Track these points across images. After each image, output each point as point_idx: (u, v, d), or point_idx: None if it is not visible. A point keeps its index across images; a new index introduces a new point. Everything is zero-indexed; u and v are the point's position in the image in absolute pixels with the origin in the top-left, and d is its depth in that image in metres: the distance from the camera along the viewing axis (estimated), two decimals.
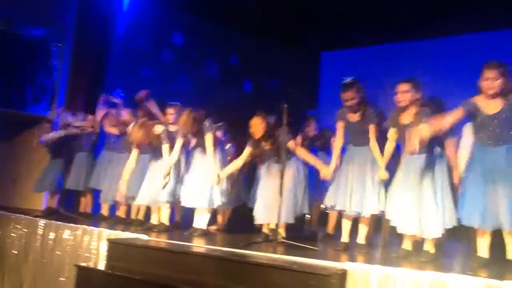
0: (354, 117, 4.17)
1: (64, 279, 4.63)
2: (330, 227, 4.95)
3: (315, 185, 4.89)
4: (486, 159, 3.52)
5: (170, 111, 5.21)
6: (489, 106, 3.56)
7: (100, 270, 4.08)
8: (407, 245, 3.84)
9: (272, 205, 4.30)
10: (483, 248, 3.54)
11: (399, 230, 3.83)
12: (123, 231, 4.53)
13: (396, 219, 3.84)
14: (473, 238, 3.65)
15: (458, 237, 4.16)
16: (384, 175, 3.96)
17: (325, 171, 4.24)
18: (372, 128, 4.10)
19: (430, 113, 3.74)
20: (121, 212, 5.60)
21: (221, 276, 3.57)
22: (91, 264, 4.30)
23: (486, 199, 3.44)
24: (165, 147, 4.96)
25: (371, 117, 4.11)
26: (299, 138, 5.05)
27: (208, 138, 4.76)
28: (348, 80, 4.17)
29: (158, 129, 5.04)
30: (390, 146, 4.03)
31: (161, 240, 4.39)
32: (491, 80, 3.50)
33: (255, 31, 7.49)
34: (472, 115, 3.62)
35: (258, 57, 7.64)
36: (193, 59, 7.39)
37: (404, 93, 3.84)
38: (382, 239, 4.55)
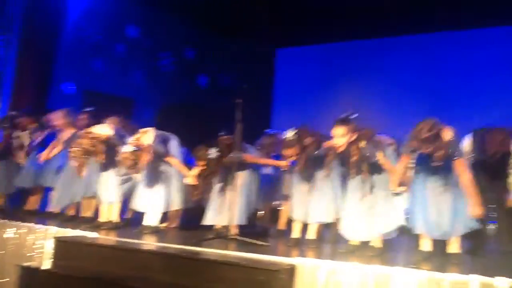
0: None
1: (7, 280, 4.45)
2: (282, 223, 5.00)
3: (268, 181, 4.93)
4: (430, 170, 3.67)
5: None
6: None
7: (44, 269, 3.95)
8: (354, 240, 3.94)
9: (223, 208, 4.33)
10: (426, 242, 3.68)
11: (348, 238, 3.95)
12: (72, 229, 4.41)
13: (346, 228, 3.96)
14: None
15: (403, 231, 4.29)
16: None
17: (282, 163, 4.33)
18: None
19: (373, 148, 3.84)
20: (70, 210, 5.45)
21: (171, 273, 3.53)
22: (35, 264, 4.15)
23: (430, 208, 3.61)
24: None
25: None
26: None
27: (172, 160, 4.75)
28: None
29: (107, 132, 4.88)
30: None
31: (110, 238, 4.29)
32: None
33: (212, 25, 7.43)
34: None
35: (215, 52, 7.58)
36: (147, 52, 7.25)
37: (340, 137, 3.86)
38: (332, 234, 4.62)
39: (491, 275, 2.92)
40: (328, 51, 6.72)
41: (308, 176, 4.22)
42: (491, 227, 4.58)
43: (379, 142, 3.87)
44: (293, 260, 3.31)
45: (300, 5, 6.70)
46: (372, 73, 5.37)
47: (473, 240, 4.13)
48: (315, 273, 3.20)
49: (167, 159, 4.79)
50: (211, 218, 4.55)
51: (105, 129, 4.89)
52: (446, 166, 3.62)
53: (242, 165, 4.49)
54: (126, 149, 4.61)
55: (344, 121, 3.86)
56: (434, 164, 3.60)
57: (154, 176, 4.74)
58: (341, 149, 3.89)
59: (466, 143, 4.05)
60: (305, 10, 6.63)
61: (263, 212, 5.37)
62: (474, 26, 5.88)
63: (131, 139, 4.71)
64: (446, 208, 3.59)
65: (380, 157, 3.84)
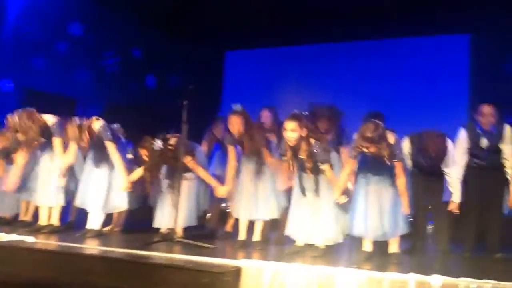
0: None
1: None
2: (229, 225, 4.99)
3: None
4: (372, 171, 3.79)
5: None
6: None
7: None
8: (299, 242, 3.99)
9: (172, 209, 4.28)
10: (367, 242, 3.79)
11: (294, 238, 4.02)
12: (7, 233, 4.20)
13: (292, 229, 4.01)
14: None
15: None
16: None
17: (221, 190, 4.35)
18: None
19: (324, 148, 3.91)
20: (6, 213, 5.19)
21: (114, 278, 3.43)
22: None
23: (371, 210, 3.74)
24: (57, 141, 4.64)
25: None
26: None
27: (110, 146, 4.52)
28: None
29: (50, 120, 4.69)
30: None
31: (49, 242, 4.12)
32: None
33: (161, 25, 7.32)
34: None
35: (163, 52, 7.47)
36: (91, 50, 7.03)
37: (292, 131, 3.90)
38: (278, 236, 4.67)
39: (428, 273, 3.05)
40: (277, 55, 6.79)
41: (254, 170, 4.21)
42: (429, 227, 4.80)
43: (328, 149, 3.93)
44: (239, 262, 3.31)
45: (250, 7, 6.73)
46: (320, 78, 5.45)
47: (412, 240, 4.30)
48: (260, 274, 3.21)
49: (113, 157, 4.63)
50: (160, 219, 4.46)
51: (47, 116, 4.69)
52: (388, 168, 3.75)
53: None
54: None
55: (296, 116, 3.91)
56: (377, 165, 3.73)
57: (97, 173, 4.59)
58: (291, 143, 3.92)
59: (404, 146, 4.21)
60: (255, 13, 6.68)
61: (211, 214, 5.34)
62: (414, 34, 6.17)
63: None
64: (387, 210, 3.72)
65: (326, 167, 3.89)
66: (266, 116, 4.78)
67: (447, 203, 4.34)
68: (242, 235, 4.23)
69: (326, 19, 6.46)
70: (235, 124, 4.18)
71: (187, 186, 4.39)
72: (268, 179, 4.22)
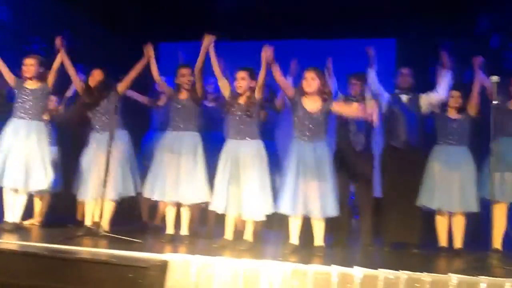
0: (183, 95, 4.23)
1: None
2: (158, 219, 4.92)
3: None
4: (301, 152, 3.86)
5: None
6: (309, 103, 3.91)
7: None
8: (228, 235, 4.01)
9: (97, 181, 4.14)
10: (294, 235, 3.88)
11: (220, 212, 4.00)
12: None
13: (218, 204, 3.98)
14: (287, 226, 3.97)
15: (275, 226, 4.48)
16: None
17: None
18: None
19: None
20: None
21: (34, 275, 3.29)
22: None
23: (298, 190, 3.79)
24: None
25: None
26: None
27: None
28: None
29: None
30: None
31: None
32: (310, 79, 3.86)
33: (91, 14, 7.03)
34: (294, 106, 3.93)
35: (93, 42, 7.18)
36: (16, 35, 6.63)
37: (241, 80, 4.00)
38: (207, 230, 4.67)
39: (350, 265, 3.18)
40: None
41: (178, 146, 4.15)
42: (354, 220, 5.00)
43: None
44: (165, 256, 3.28)
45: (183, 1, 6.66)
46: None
47: (337, 233, 4.45)
48: (187, 268, 3.20)
49: None
50: (86, 188, 4.29)
51: None
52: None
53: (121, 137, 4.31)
54: None
55: (247, 68, 4.02)
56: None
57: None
58: (239, 91, 3.98)
59: None
60: (189, 4, 6.60)
61: (142, 207, 5.24)
62: (344, 37, 6.44)
63: None
64: (314, 189, 3.80)
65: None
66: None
67: (373, 198, 4.55)
68: (170, 229, 4.18)
69: (259, 17, 6.55)
70: None
71: (117, 157, 4.21)
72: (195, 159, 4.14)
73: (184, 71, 4.26)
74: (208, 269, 3.18)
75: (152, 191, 4.17)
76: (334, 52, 4.89)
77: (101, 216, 4.12)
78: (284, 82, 4.07)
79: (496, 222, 4.06)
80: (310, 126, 3.87)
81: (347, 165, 4.43)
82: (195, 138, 4.17)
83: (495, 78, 3.49)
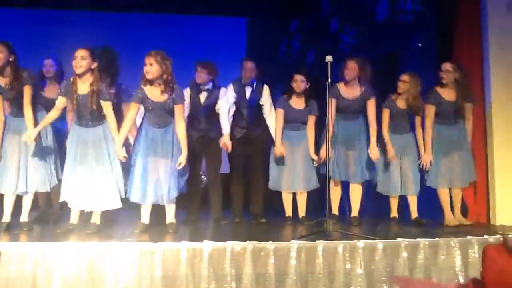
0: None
1: None
2: None
3: None
4: (150, 135, 3.79)
5: None
6: (153, 92, 3.81)
7: None
8: (74, 219, 3.79)
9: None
10: (145, 215, 3.82)
11: (70, 206, 3.78)
12: None
13: (68, 195, 3.75)
14: (138, 206, 3.88)
15: (125, 205, 4.35)
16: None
17: None
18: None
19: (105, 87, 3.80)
20: None
21: None
22: None
23: (148, 175, 3.73)
24: None
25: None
26: None
27: None
28: None
29: None
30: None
31: None
32: (148, 65, 3.77)
33: None
34: (141, 101, 3.82)
35: None
36: None
37: (81, 59, 3.72)
38: (53, 214, 4.35)
39: (200, 240, 3.23)
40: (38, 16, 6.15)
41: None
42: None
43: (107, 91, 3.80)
44: None
45: None
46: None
47: (188, 209, 4.49)
48: (23, 258, 2.95)
49: None
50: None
51: None
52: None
53: None
54: None
55: (89, 49, 3.76)
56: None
57: None
58: (79, 71, 3.71)
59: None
60: None
61: None
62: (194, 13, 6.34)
63: None
64: (163, 174, 3.77)
65: (105, 105, 3.75)
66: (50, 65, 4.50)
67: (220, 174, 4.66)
68: (6, 217, 3.80)
69: None
70: None
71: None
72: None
73: None
74: (47, 256, 2.97)
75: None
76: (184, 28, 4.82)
77: None
78: None
79: (333, 193, 4.49)
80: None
81: (197, 144, 4.46)
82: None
83: (329, 58, 3.75)
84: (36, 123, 3.79)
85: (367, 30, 6.08)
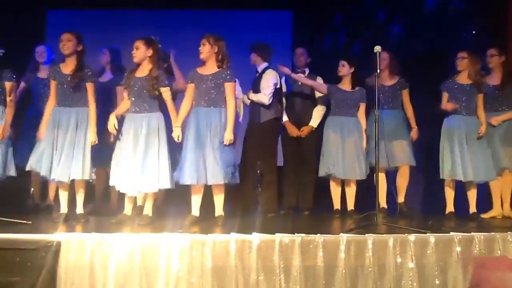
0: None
1: None
2: (51, 198, 4.65)
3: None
4: (199, 121, 3.84)
5: None
6: (205, 68, 3.94)
7: None
8: (127, 210, 3.92)
9: None
10: (195, 207, 3.89)
11: (120, 190, 3.89)
12: None
13: (117, 180, 3.85)
14: (189, 199, 3.96)
15: (176, 199, 4.45)
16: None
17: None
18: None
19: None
20: None
21: None
22: None
23: (199, 160, 3.78)
24: None
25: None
26: None
27: None
28: None
29: None
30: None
31: None
32: (201, 46, 3.91)
33: None
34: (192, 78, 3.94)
35: None
36: None
37: (136, 50, 3.88)
38: (109, 207, 4.53)
39: (248, 232, 3.26)
40: (98, 17, 6.39)
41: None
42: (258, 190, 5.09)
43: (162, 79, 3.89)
44: (57, 236, 3.13)
45: None
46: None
47: (240, 202, 4.54)
48: (81, 247, 3.09)
49: None
50: None
51: None
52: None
53: None
54: None
55: (147, 39, 3.90)
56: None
57: None
58: (136, 60, 3.89)
59: None
60: None
61: (33, 188, 4.91)
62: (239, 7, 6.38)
63: None
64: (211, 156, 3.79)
65: (164, 91, 3.87)
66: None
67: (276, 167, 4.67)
68: (63, 208, 3.98)
69: None
70: None
71: None
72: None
73: (63, 36, 3.96)
74: (103, 246, 3.09)
75: (39, 167, 3.91)
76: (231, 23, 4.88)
77: None
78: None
79: (383, 185, 4.45)
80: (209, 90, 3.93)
81: (253, 136, 4.54)
82: (84, 113, 3.96)
83: (377, 48, 3.69)
84: None
85: (416, 20, 5.93)
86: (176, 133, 3.84)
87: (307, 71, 4.82)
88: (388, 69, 4.52)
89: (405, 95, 4.55)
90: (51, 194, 4.53)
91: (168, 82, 4.00)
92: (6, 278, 2.83)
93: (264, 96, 4.53)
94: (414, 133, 4.54)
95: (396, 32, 6.04)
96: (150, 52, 3.91)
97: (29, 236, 3.15)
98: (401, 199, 4.46)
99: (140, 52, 3.90)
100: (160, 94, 3.90)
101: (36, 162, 3.90)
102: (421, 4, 6.03)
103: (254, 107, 4.64)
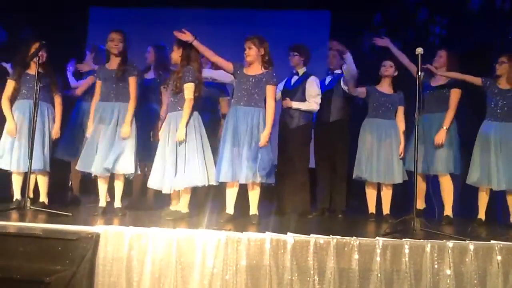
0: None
1: None
2: (89, 191, 4.78)
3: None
4: (238, 120, 3.86)
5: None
6: (249, 69, 3.95)
7: None
8: (173, 205, 4.02)
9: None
10: (230, 205, 3.92)
11: (151, 187, 3.99)
12: None
13: (158, 179, 3.92)
14: (223, 197, 3.99)
15: (214, 196, 4.48)
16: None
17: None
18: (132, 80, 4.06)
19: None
20: None
21: None
22: None
23: (235, 158, 3.81)
24: None
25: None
26: None
27: None
28: None
29: None
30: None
31: None
32: (247, 50, 3.90)
33: None
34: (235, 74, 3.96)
35: (18, 3, 6.69)
36: None
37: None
38: (147, 202, 4.61)
39: (283, 232, 3.25)
40: (139, 15, 6.51)
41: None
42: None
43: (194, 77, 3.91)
44: (96, 228, 3.21)
45: None
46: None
47: (274, 202, 4.55)
48: (119, 240, 3.16)
49: None
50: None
51: None
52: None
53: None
54: None
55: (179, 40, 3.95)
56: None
57: None
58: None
59: None
60: None
61: (72, 181, 5.06)
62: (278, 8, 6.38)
63: None
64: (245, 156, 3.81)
65: (187, 88, 3.88)
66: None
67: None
68: (102, 202, 4.08)
69: None
70: None
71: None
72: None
73: (114, 35, 4.06)
74: (141, 239, 3.15)
75: (83, 163, 4.03)
76: (269, 23, 4.87)
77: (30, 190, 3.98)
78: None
79: (420, 189, 4.34)
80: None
81: (286, 138, 4.53)
82: (126, 108, 4.04)
83: (419, 50, 3.61)
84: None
85: (459, 20, 5.78)
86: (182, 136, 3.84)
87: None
88: (445, 68, 4.37)
89: (454, 95, 4.33)
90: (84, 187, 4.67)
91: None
92: (49, 266, 2.92)
93: (316, 104, 4.52)
94: (441, 134, 4.30)
95: (437, 33, 5.90)
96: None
97: (71, 227, 3.26)
98: (448, 211, 4.32)
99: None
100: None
101: (85, 161, 4.02)
102: (464, 4, 5.87)
103: (293, 110, 4.58)
